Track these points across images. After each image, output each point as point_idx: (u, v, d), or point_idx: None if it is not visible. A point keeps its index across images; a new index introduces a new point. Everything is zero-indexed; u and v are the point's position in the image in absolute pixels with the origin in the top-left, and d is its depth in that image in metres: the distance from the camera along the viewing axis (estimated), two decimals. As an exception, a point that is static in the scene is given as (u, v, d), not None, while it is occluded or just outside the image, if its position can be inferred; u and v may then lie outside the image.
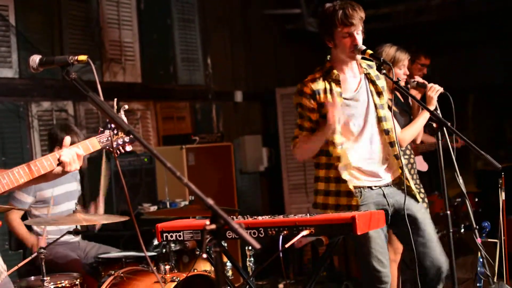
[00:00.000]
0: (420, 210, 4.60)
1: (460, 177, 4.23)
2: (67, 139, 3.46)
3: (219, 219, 2.46)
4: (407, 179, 4.50)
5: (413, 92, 5.39)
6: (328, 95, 4.40)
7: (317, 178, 4.57)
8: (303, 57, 10.48)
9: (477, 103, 6.94)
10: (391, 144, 4.51)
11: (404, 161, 4.48)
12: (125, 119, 3.42)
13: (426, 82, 5.18)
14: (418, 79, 5.24)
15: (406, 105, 5.63)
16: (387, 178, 4.53)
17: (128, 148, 3.59)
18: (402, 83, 5.40)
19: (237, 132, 9.68)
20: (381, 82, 4.56)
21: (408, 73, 5.51)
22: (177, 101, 8.84)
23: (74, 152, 3.40)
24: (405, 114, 5.50)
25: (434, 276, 4.56)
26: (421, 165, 6.67)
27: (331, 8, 4.42)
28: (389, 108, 4.58)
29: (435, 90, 5.08)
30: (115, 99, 3.40)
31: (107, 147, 3.51)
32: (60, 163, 3.39)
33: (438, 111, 4.82)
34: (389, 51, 5.47)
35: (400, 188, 4.53)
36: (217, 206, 2.47)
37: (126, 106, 3.46)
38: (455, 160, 4.28)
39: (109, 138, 3.48)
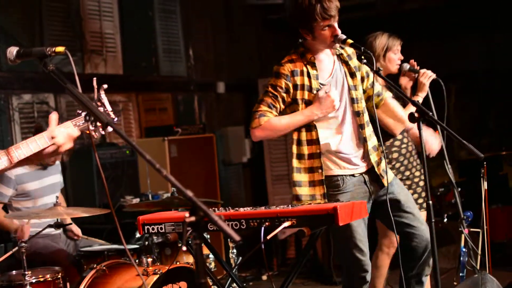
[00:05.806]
0: (402, 192, 4.60)
1: (449, 166, 4.21)
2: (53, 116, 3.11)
3: (199, 211, 2.44)
4: (381, 163, 4.49)
5: (405, 78, 5.36)
6: (314, 81, 4.38)
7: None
8: (285, 48, 10.41)
9: (459, 92, 6.94)
10: (361, 126, 4.48)
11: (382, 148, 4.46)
12: (105, 99, 3.20)
13: (418, 67, 5.15)
14: (411, 64, 5.22)
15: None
16: (364, 163, 4.49)
17: (109, 129, 3.07)
18: (396, 68, 5.37)
19: (220, 123, 9.64)
20: (354, 62, 4.52)
21: (402, 57, 5.44)
22: (159, 93, 8.80)
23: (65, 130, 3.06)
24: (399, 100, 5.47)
25: (421, 255, 4.55)
26: None
27: (306, 2, 4.35)
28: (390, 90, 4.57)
29: (427, 76, 5.06)
30: (94, 78, 3.29)
31: (85, 130, 3.14)
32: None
33: (430, 98, 4.82)
34: (382, 38, 5.42)
35: (375, 174, 4.49)
36: (196, 198, 2.45)
37: (105, 86, 3.23)
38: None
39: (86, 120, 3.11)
